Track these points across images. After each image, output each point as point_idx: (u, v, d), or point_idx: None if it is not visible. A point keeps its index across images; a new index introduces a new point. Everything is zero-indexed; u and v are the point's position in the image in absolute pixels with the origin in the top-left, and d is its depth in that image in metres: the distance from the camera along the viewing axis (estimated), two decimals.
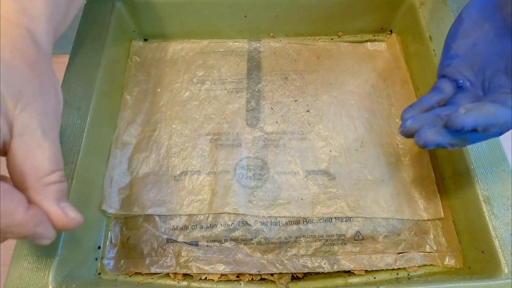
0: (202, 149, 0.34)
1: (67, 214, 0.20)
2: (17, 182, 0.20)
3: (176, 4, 0.38)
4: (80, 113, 0.30)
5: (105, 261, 0.30)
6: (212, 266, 0.29)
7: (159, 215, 0.31)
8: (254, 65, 0.39)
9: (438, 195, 0.32)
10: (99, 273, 0.29)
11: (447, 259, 0.30)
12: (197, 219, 0.31)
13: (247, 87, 0.37)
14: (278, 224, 0.31)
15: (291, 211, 0.31)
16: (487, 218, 0.27)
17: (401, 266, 0.29)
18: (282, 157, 0.34)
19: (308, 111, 0.36)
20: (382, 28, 0.41)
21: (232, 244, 0.30)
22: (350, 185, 0.33)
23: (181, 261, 0.29)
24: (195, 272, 0.29)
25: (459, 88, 0.26)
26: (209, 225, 0.31)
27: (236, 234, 0.31)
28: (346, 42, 0.41)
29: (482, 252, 0.27)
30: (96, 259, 0.30)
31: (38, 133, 0.20)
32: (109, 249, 0.30)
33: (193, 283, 0.29)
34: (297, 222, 0.31)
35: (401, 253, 0.30)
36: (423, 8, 0.36)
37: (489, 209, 0.27)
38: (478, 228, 0.28)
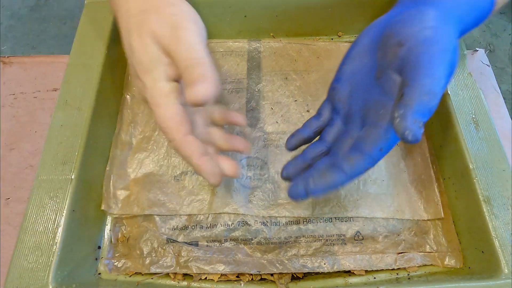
0: None
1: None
2: None
3: None
4: (80, 113, 0.30)
5: (105, 261, 0.30)
6: (212, 266, 0.29)
7: (159, 215, 0.31)
8: (254, 65, 0.39)
9: (438, 195, 0.32)
10: (99, 273, 0.29)
11: (447, 259, 0.30)
12: (197, 219, 0.31)
13: (247, 87, 0.37)
14: (278, 224, 0.31)
15: (291, 211, 0.31)
16: (487, 218, 0.27)
17: (401, 266, 0.29)
18: (282, 157, 0.34)
19: (308, 111, 0.36)
20: None
21: (232, 244, 0.30)
22: (350, 185, 0.33)
23: (181, 261, 0.29)
24: (195, 272, 0.29)
25: (336, 113, 0.28)
26: (209, 225, 0.31)
27: (236, 234, 0.31)
28: (346, 42, 0.41)
29: (482, 252, 0.27)
30: (96, 259, 0.30)
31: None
32: (109, 249, 0.30)
33: (193, 283, 0.29)
34: (297, 222, 0.31)
35: (401, 253, 0.30)
36: None
37: (489, 209, 0.27)
38: (478, 228, 0.28)
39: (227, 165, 0.27)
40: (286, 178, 0.28)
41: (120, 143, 0.34)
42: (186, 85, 0.23)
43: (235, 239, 0.30)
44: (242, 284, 0.29)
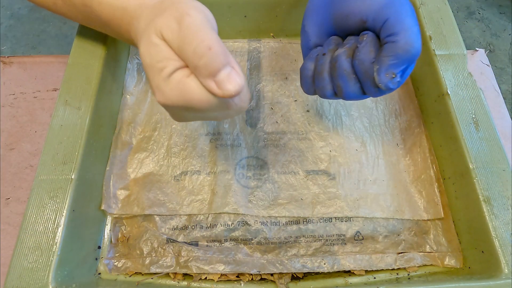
0: (202, 149, 0.34)
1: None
2: None
3: None
4: (80, 113, 0.30)
5: (105, 261, 0.30)
6: (212, 266, 0.29)
7: (159, 215, 0.31)
8: (254, 65, 0.39)
9: (438, 195, 0.32)
10: (99, 273, 0.29)
11: (447, 259, 0.30)
12: (197, 219, 0.31)
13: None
14: (278, 224, 0.31)
15: (291, 211, 0.31)
16: (487, 218, 0.27)
17: (401, 266, 0.29)
18: (282, 157, 0.34)
19: (308, 111, 0.36)
20: None
21: (232, 244, 0.30)
22: (350, 185, 0.33)
23: (181, 261, 0.29)
24: (195, 272, 0.29)
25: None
26: (209, 225, 0.31)
27: (236, 234, 0.31)
28: None
29: (482, 252, 0.27)
30: (96, 259, 0.30)
31: None
32: (109, 249, 0.30)
33: (193, 283, 0.29)
34: (297, 222, 0.31)
35: (401, 253, 0.30)
36: (423, 8, 0.36)
37: (489, 209, 0.27)
38: (478, 228, 0.28)
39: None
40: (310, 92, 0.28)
41: (120, 143, 0.34)
42: (204, 74, 0.21)
43: (235, 239, 0.30)
44: (242, 284, 0.29)
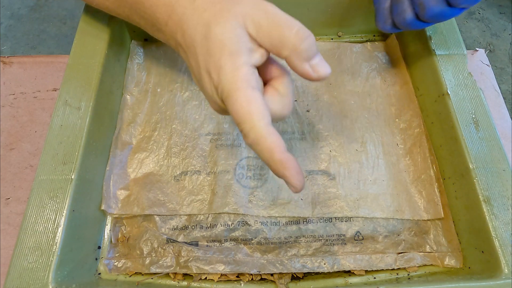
0: (202, 149, 0.34)
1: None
2: None
3: None
4: (80, 113, 0.30)
5: (105, 261, 0.30)
6: (212, 266, 0.29)
7: (159, 215, 0.31)
8: None
9: (438, 195, 0.32)
10: (99, 273, 0.29)
11: (447, 259, 0.30)
12: (197, 219, 0.31)
13: None
14: (278, 224, 0.31)
15: (291, 211, 0.31)
16: (487, 218, 0.27)
17: (401, 266, 0.29)
18: None
19: (308, 111, 0.36)
20: None
21: (232, 244, 0.30)
22: (350, 185, 0.33)
23: (181, 261, 0.29)
24: (195, 272, 0.29)
25: None
26: (209, 225, 0.31)
27: (236, 234, 0.31)
28: (346, 42, 0.41)
29: (482, 252, 0.27)
30: (96, 259, 0.30)
31: None
32: (109, 249, 0.30)
33: (193, 283, 0.29)
34: (297, 222, 0.31)
35: (401, 253, 0.30)
36: None
37: (489, 209, 0.27)
38: (478, 228, 0.28)
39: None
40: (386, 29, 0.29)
41: (120, 143, 0.34)
42: (303, 57, 0.22)
43: (235, 239, 0.30)
44: (242, 284, 0.29)
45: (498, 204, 0.27)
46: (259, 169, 0.33)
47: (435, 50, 0.34)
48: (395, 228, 0.31)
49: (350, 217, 0.31)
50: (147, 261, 0.29)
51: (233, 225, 0.31)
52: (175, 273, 0.29)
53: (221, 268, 0.29)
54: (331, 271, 0.29)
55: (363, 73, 0.39)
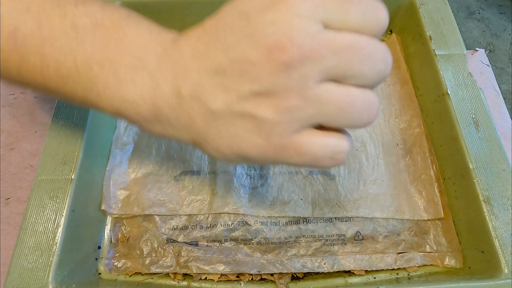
0: None
1: None
2: None
3: (176, 4, 0.38)
4: (80, 113, 0.30)
5: (105, 261, 0.30)
6: (212, 266, 0.29)
7: (159, 215, 0.31)
8: None
9: (438, 195, 0.32)
10: (99, 273, 0.29)
11: (447, 259, 0.30)
12: (197, 219, 0.31)
13: None
14: (278, 224, 0.31)
15: (291, 211, 0.31)
16: (487, 218, 0.27)
17: (401, 266, 0.29)
18: None
19: None
20: None
21: (232, 244, 0.30)
22: (350, 185, 0.33)
23: (181, 261, 0.29)
24: (195, 272, 0.29)
25: None
26: (209, 225, 0.31)
27: (236, 234, 0.31)
28: None
29: (482, 252, 0.27)
30: (96, 259, 0.30)
31: None
32: (109, 249, 0.30)
33: (193, 283, 0.29)
34: (297, 222, 0.31)
35: (401, 253, 0.30)
36: (423, 8, 0.36)
37: (489, 209, 0.27)
38: (478, 228, 0.28)
39: None
40: None
41: (120, 143, 0.34)
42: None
43: (235, 239, 0.30)
44: (242, 284, 0.29)
45: (498, 204, 0.27)
46: (259, 169, 0.33)
47: (435, 50, 0.34)
48: (395, 228, 0.31)
49: (350, 217, 0.31)
50: (147, 261, 0.29)
51: (233, 225, 0.31)
52: (175, 273, 0.29)
53: (221, 268, 0.29)
54: (331, 271, 0.29)
55: None
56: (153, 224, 0.31)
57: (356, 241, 0.30)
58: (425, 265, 0.30)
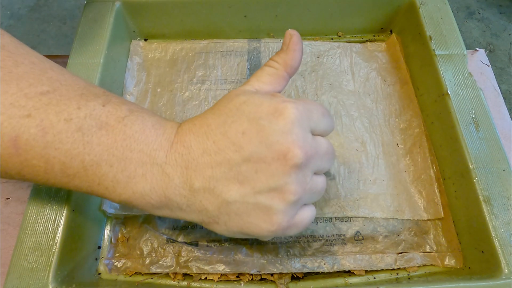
0: None
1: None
2: None
3: (176, 4, 0.38)
4: None
5: (105, 261, 0.30)
6: (212, 266, 0.29)
7: None
8: (254, 65, 0.39)
9: (438, 195, 0.32)
10: (99, 273, 0.29)
11: (447, 259, 0.30)
12: None
13: None
14: None
15: None
16: (487, 218, 0.27)
17: (401, 266, 0.29)
18: None
19: None
20: (382, 28, 0.41)
21: (232, 244, 0.30)
22: (350, 185, 0.33)
23: (181, 261, 0.29)
24: (195, 272, 0.29)
25: None
26: None
27: None
28: (346, 42, 0.41)
29: (482, 252, 0.27)
30: (96, 259, 0.30)
31: None
32: (109, 249, 0.30)
33: (193, 283, 0.29)
34: None
35: (401, 253, 0.30)
36: (423, 8, 0.36)
37: (489, 209, 0.27)
38: (478, 228, 0.28)
39: None
40: None
41: None
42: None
43: (235, 239, 0.30)
44: (242, 284, 0.29)
45: (498, 204, 0.27)
46: None
47: (435, 50, 0.34)
48: (395, 228, 0.31)
49: (350, 217, 0.31)
50: (147, 261, 0.29)
51: None
52: (175, 273, 0.29)
53: (221, 268, 0.29)
54: (331, 271, 0.29)
55: (363, 73, 0.39)
56: (153, 224, 0.31)
57: (356, 241, 0.30)
58: (425, 265, 0.30)
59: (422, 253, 0.30)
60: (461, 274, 0.28)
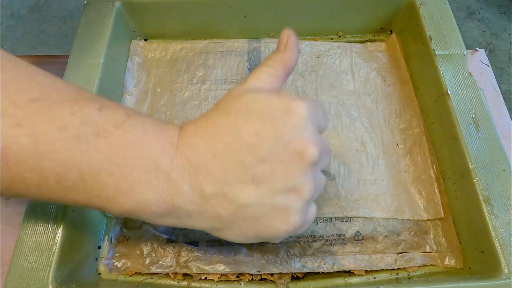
0: None
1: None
2: None
3: (176, 4, 0.38)
4: None
5: (105, 261, 0.30)
6: (212, 266, 0.29)
7: None
8: (254, 65, 0.39)
9: (438, 195, 0.32)
10: (99, 273, 0.29)
11: (447, 259, 0.30)
12: None
13: None
14: None
15: None
16: (487, 218, 0.27)
17: (401, 266, 0.29)
18: None
19: None
20: (382, 28, 0.41)
21: (232, 244, 0.30)
22: (350, 185, 0.33)
23: (181, 261, 0.29)
24: (195, 272, 0.29)
25: None
26: None
27: None
28: (346, 42, 0.41)
29: (482, 252, 0.27)
30: (96, 259, 0.30)
31: None
32: (109, 249, 0.30)
33: (193, 283, 0.29)
34: None
35: (401, 253, 0.30)
36: (423, 8, 0.36)
37: (489, 209, 0.27)
38: (478, 228, 0.28)
39: None
40: None
41: None
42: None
43: None
44: (242, 284, 0.29)
45: (498, 204, 0.27)
46: None
47: (435, 50, 0.34)
48: (395, 228, 0.31)
49: (350, 217, 0.31)
50: (147, 261, 0.29)
51: None
52: (175, 273, 0.29)
53: (221, 268, 0.29)
54: (331, 271, 0.29)
55: (363, 73, 0.39)
56: (153, 224, 0.31)
57: (356, 241, 0.30)
58: (425, 265, 0.30)
59: (422, 253, 0.30)
60: (461, 274, 0.28)
